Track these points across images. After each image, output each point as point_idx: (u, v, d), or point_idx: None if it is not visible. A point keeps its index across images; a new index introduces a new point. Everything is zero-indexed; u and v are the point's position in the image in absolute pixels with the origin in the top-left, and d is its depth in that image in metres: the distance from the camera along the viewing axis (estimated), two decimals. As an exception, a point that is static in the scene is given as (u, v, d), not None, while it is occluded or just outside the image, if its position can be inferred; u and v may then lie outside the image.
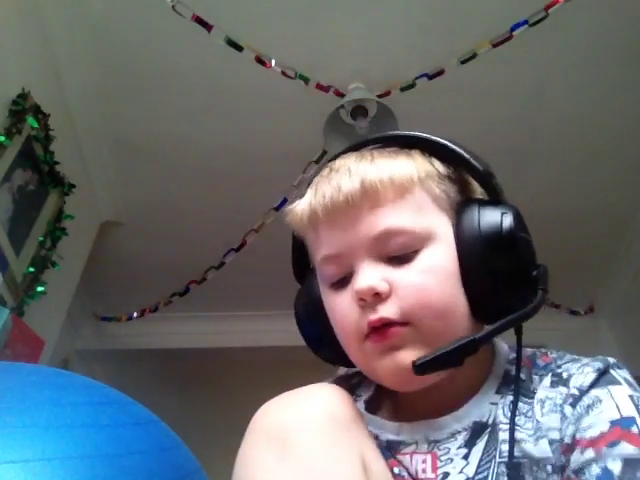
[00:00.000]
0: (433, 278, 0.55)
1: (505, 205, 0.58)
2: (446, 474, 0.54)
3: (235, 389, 2.89)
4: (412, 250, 0.56)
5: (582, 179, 2.37)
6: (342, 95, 1.94)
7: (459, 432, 0.56)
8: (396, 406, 0.63)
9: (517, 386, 0.55)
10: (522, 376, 0.57)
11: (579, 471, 0.47)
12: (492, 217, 0.57)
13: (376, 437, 0.59)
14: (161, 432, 0.44)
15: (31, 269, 1.86)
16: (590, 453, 0.47)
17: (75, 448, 0.33)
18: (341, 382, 0.69)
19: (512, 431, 0.52)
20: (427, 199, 0.58)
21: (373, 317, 0.55)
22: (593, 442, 0.47)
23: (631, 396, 0.50)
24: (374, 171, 0.58)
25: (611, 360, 0.55)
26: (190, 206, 2.47)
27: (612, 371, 0.54)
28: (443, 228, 0.58)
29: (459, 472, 0.53)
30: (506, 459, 0.52)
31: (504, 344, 0.63)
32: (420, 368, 0.53)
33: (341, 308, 0.58)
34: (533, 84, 2.07)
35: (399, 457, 0.56)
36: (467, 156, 0.60)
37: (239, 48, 1.76)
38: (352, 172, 0.59)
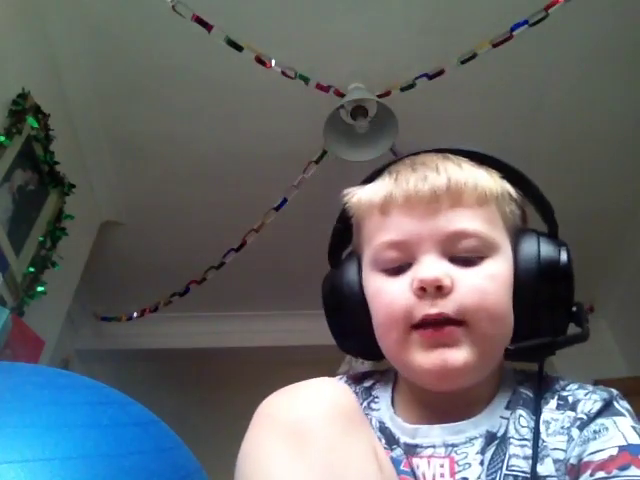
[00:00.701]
0: (495, 285, 0.58)
1: (560, 240, 0.62)
2: (464, 479, 0.54)
3: (235, 389, 2.89)
4: (478, 256, 0.59)
5: (582, 179, 2.37)
6: (342, 95, 1.93)
7: (476, 438, 0.57)
8: (412, 409, 0.63)
9: (539, 407, 0.57)
10: (530, 394, 0.59)
11: None
12: (551, 249, 0.61)
13: (397, 439, 0.59)
14: (161, 432, 0.44)
15: (31, 269, 1.86)
16: (601, 474, 0.48)
17: (75, 448, 0.33)
18: (352, 382, 0.69)
19: (535, 448, 0.53)
20: (497, 215, 0.62)
21: (433, 311, 0.56)
22: (604, 465, 0.49)
23: (634, 427, 0.53)
24: (461, 174, 0.61)
25: (614, 392, 0.58)
26: (190, 206, 2.47)
27: (615, 403, 0.56)
28: (505, 245, 0.61)
29: (477, 477, 0.54)
30: (513, 472, 0.53)
31: (507, 365, 0.66)
32: (512, 353, 0.58)
33: (392, 294, 0.59)
34: (533, 84, 2.07)
35: (416, 460, 0.57)
36: (538, 188, 0.64)
37: (239, 48, 1.76)
38: (440, 168, 0.61)
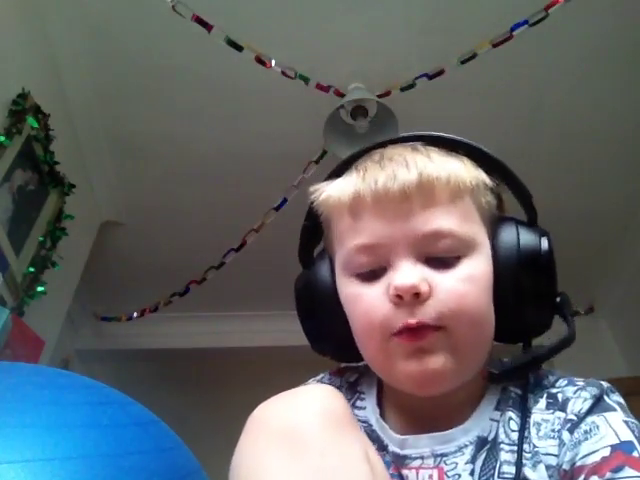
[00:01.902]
0: (473, 287, 0.55)
1: (540, 228, 0.60)
2: None
3: (235, 389, 2.89)
4: (454, 256, 0.55)
5: (582, 179, 2.37)
6: (342, 95, 1.93)
7: (466, 446, 0.55)
8: (399, 415, 0.61)
9: (524, 415, 0.55)
10: (519, 392, 0.57)
11: None
12: (531, 238, 0.58)
13: (386, 446, 0.58)
14: (161, 432, 0.44)
15: (31, 269, 1.86)
16: (595, 478, 0.46)
17: (75, 448, 0.33)
18: (335, 378, 0.67)
19: (519, 455, 0.52)
20: (473, 208, 0.58)
21: (411, 320, 0.53)
22: (596, 468, 0.47)
23: (626, 421, 0.51)
24: (432, 167, 0.57)
25: (605, 385, 0.56)
26: (190, 206, 2.47)
27: (606, 397, 0.54)
28: (482, 240, 0.58)
29: None
30: (505, 479, 0.51)
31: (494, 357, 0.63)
32: (499, 377, 0.56)
33: (369, 301, 0.56)
34: (533, 84, 2.07)
35: (405, 472, 0.55)
36: (515, 174, 0.61)
37: (239, 48, 1.76)
38: (409, 163, 0.57)
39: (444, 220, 0.55)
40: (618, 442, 0.48)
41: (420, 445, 0.56)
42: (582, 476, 0.47)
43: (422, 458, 0.55)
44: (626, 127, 2.17)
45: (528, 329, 0.59)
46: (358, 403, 0.64)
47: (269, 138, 2.19)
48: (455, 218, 0.56)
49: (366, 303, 0.56)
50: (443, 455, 0.55)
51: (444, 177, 0.56)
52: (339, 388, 0.65)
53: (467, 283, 0.54)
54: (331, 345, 0.64)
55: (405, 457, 0.56)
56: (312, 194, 0.63)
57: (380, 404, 0.63)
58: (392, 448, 0.57)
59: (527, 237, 0.58)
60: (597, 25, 1.89)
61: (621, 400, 0.54)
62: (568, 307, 0.58)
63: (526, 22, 1.69)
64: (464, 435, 0.55)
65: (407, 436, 0.57)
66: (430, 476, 0.54)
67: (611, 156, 2.27)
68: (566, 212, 2.41)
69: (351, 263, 0.58)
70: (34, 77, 1.85)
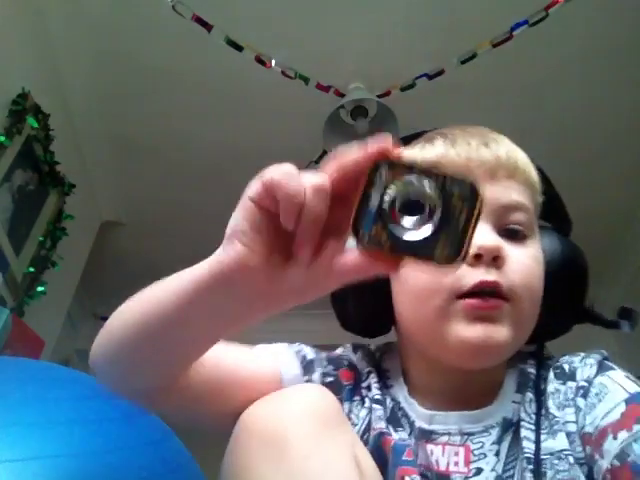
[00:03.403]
0: (538, 268, 0.58)
1: (574, 242, 0.66)
2: (479, 470, 0.54)
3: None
4: (522, 234, 0.58)
5: (582, 179, 2.36)
6: (342, 95, 1.93)
7: (493, 427, 0.56)
8: (427, 393, 0.61)
9: (538, 387, 0.57)
10: (534, 373, 0.60)
11: (621, 454, 0.47)
12: (573, 249, 0.64)
13: (412, 422, 0.58)
14: (149, 425, 0.43)
15: (31, 269, 1.86)
16: (624, 434, 0.48)
17: (60, 446, 0.32)
18: (363, 353, 0.66)
19: (538, 426, 0.54)
20: (533, 205, 0.61)
21: (489, 278, 0.53)
22: (621, 424, 0.49)
23: (627, 376, 0.55)
24: (515, 151, 0.61)
25: (604, 352, 0.60)
26: (190, 206, 2.47)
27: (606, 361, 0.58)
28: (537, 232, 0.61)
29: (492, 469, 0.54)
30: (528, 455, 0.53)
31: None
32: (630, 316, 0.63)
33: None
34: (533, 84, 2.06)
35: (430, 447, 0.56)
36: (557, 193, 0.67)
37: (239, 48, 1.76)
38: (497, 139, 0.61)
39: (521, 196, 0.59)
40: (628, 395, 0.51)
41: (449, 422, 0.57)
42: (610, 435, 0.49)
43: (449, 435, 0.56)
44: (626, 127, 2.17)
45: (552, 332, 0.63)
46: (387, 382, 0.64)
47: (269, 138, 2.19)
48: (527, 199, 0.59)
49: None
50: (470, 434, 0.56)
51: (523, 162, 0.61)
52: (369, 356, 0.65)
53: (535, 263, 0.58)
54: (365, 313, 0.64)
55: (432, 432, 0.57)
56: None
57: (405, 381, 0.63)
58: (419, 423, 0.58)
59: (569, 248, 0.63)
60: (597, 25, 1.88)
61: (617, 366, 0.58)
62: (598, 313, 0.64)
63: (526, 22, 1.68)
64: (491, 416, 0.57)
65: (435, 412, 0.58)
66: (456, 453, 0.55)
67: (611, 156, 2.27)
68: (567, 212, 2.40)
69: None
70: (34, 77, 1.85)
